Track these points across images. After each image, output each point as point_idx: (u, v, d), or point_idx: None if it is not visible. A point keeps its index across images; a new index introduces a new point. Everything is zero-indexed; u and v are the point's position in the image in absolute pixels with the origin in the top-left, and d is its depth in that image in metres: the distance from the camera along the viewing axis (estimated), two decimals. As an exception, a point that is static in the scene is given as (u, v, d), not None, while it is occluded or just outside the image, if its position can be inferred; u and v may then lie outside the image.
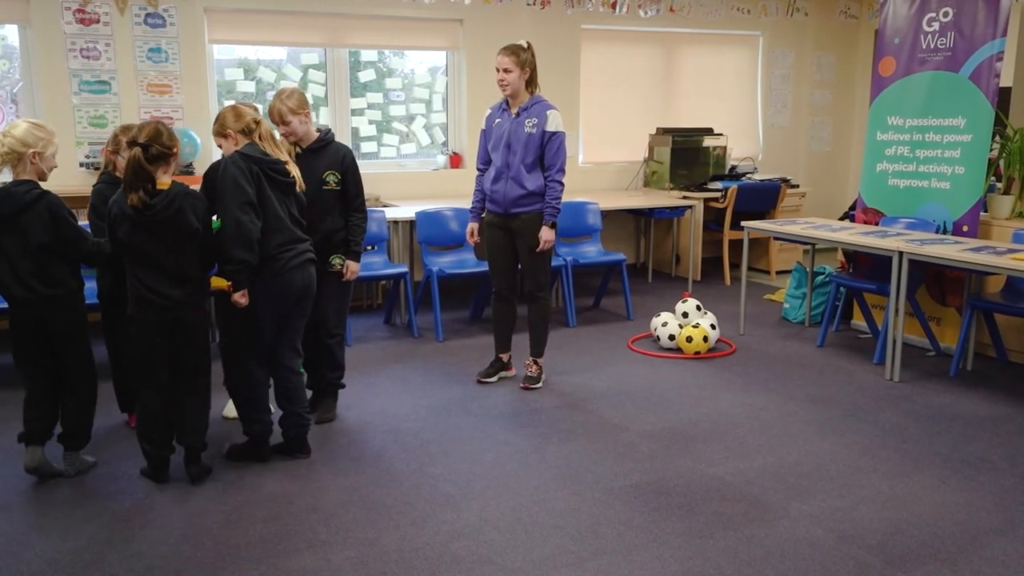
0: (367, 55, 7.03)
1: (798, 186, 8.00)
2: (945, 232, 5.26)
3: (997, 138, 5.39)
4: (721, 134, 7.98)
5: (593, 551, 2.97)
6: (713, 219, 7.55)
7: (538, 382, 4.66)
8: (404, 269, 5.80)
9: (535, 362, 4.68)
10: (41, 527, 3.13)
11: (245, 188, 3.35)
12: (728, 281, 7.40)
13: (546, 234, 4.42)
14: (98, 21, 5.97)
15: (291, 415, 3.69)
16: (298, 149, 3.95)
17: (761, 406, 4.40)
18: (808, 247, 6.18)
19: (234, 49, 6.61)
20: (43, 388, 3.46)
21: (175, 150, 3.34)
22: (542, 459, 3.73)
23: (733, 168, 8.03)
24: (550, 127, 4.34)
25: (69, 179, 5.75)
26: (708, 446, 3.88)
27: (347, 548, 2.99)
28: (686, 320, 5.37)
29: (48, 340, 3.41)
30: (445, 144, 7.37)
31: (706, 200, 7.41)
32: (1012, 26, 5.48)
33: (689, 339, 5.26)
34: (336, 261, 4.02)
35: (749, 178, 7.79)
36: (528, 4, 7.29)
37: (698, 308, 5.43)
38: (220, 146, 3.55)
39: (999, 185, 5.51)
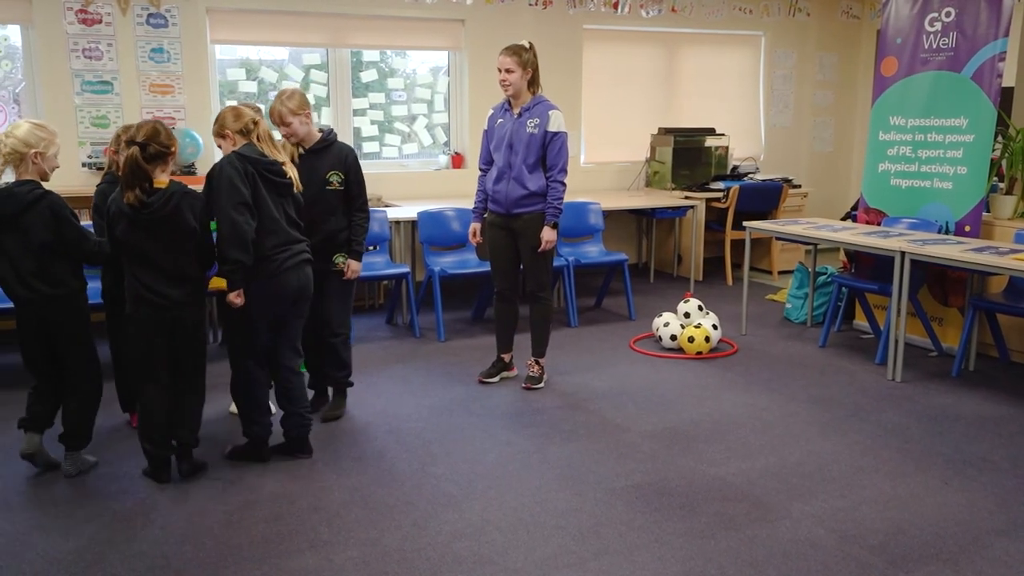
0: (369, 55, 7.03)
1: (800, 186, 7.99)
2: (947, 232, 5.26)
3: (999, 138, 5.38)
4: (723, 134, 7.98)
5: (595, 551, 2.97)
6: (715, 219, 7.55)
7: (540, 382, 4.66)
8: (406, 269, 5.80)
9: (537, 362, 4.68)
10: (42, 526, 3.13)
11: (240, 188, 3.35)
12: (730, 281, 7.40)
13: (548, 234, 4.41)
14: (100, 21, 5.97)
15: (292, 415, 3.69)
16: (301, 150, 3.95)
17: (763, 406, 4.40)
18: (810, 247, 6.16)
19: (236, 49, 6.61)
20: (50, 385, 3.50)
21: (173, 149, 3.34)
22: (544, 459, 3.73)
23: (735, 168, 8.02)
24: (552, 127, 4.34)
25: (71, 179, 5.76)
26: (710, 446, 3.88)
27: (349, 548, 2.99)
28: (688, 320, 5.37)
29: (51, 340, 3.43)
30: (447, 144, 7.37)
31: (708, 200, 7.41)
32: (1014, 26, 5.48)
33: (691, 339, 5.26)
34: (339, 260, 4.02)
35: (751, 178, 7.79)
36: (530, 4, 7.29)
37: (700, 308, 5.43)
38: (220, 146, 3.56)
39: (1001, 185, 5.50)
